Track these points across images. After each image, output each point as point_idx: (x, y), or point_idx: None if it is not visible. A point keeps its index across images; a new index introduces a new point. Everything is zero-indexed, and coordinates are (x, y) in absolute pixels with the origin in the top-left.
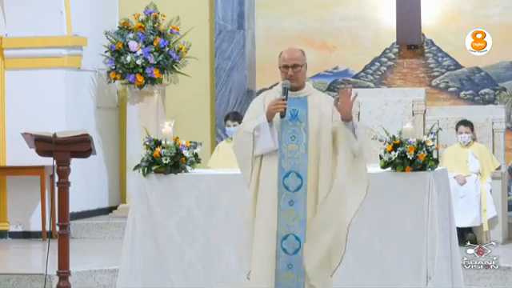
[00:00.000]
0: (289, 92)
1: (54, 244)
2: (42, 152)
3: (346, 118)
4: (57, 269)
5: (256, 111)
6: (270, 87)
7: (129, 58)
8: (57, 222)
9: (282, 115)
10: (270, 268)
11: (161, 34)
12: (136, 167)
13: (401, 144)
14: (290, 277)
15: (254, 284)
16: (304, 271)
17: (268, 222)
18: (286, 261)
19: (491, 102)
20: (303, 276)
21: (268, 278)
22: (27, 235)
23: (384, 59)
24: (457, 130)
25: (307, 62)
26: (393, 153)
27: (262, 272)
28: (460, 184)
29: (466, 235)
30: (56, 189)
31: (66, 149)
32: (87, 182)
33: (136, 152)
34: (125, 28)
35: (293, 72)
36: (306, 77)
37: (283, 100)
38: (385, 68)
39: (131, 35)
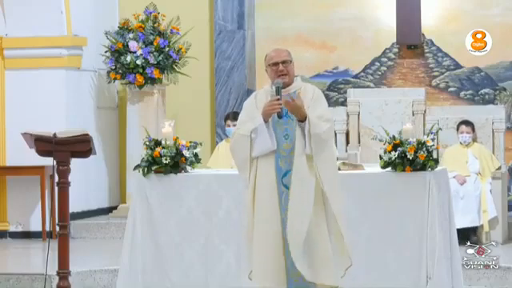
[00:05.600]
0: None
1: (54, 244)
2: (42, 152)
3: (300, 119)
4: (57, 269)
5: (249, 111)
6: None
7: (129, 58)
8: (57, 222)
9: (280, 115)
10: (276, 267)
11: (161, 34)
12: (136, 167)
13: (401, 144)
14: (299, 274)
15: (257, 283)
16: None
17: (271, 221)
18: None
19: (491, 102)
20: None
21: (273, 276)
22: (27, 235)
23: (384, 59)
24: (458, 129)
25: (306, 63)
26: (393, 153)
27: (265, 271)
28: (460, 184)
29: (470, 237)
30: (56, 189)
31: (65, 149)
32: (87, 181)
33: (136, 152)
34: (125, 28)
35: (283, 67)
36: (306, 77)
37: (278, 100)
38: (385, 68)
39: (131, 35)
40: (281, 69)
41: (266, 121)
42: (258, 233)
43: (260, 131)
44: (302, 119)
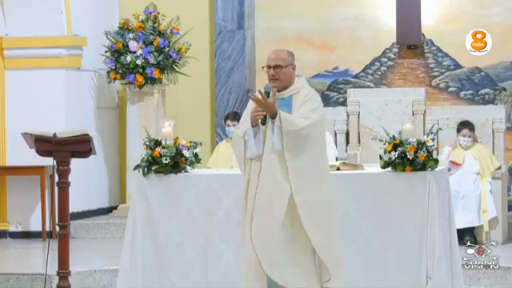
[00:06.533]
0: (274, 93)
1: (54, 244)
2: (41, 152)
3: (271, 116)
4: (57, 269)
5: (249, 112)
6: None
7: (129, 58)
8: (57, 222)
9: (263, 122)
10: (258, 267)
11: (161, 34)
12: (136, 167)
13: (401, 144)
14: None
15: (246, 283)
16: None
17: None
18: None
19: (491, 102)
20: None
21: (254, 277)
22: (27, 235)
23: (384, 59)
24: (458, 131)
25: (306, 63)
26: (393, 153)
27: (252, 271)
28: (452, 164)
29: (465, 237)
30: (56, 189)
31: (66, 149)
32: (87, 182)
33: (136, 152)
34: (125, 28)
35: (274, 72)
36: (306, 77)
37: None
38: (385, 68)
39: (131, 35)
40: (271, 73)
41: (253, 125)
42: (247, 234)
43: (248, 135)
44: (273, 116)
